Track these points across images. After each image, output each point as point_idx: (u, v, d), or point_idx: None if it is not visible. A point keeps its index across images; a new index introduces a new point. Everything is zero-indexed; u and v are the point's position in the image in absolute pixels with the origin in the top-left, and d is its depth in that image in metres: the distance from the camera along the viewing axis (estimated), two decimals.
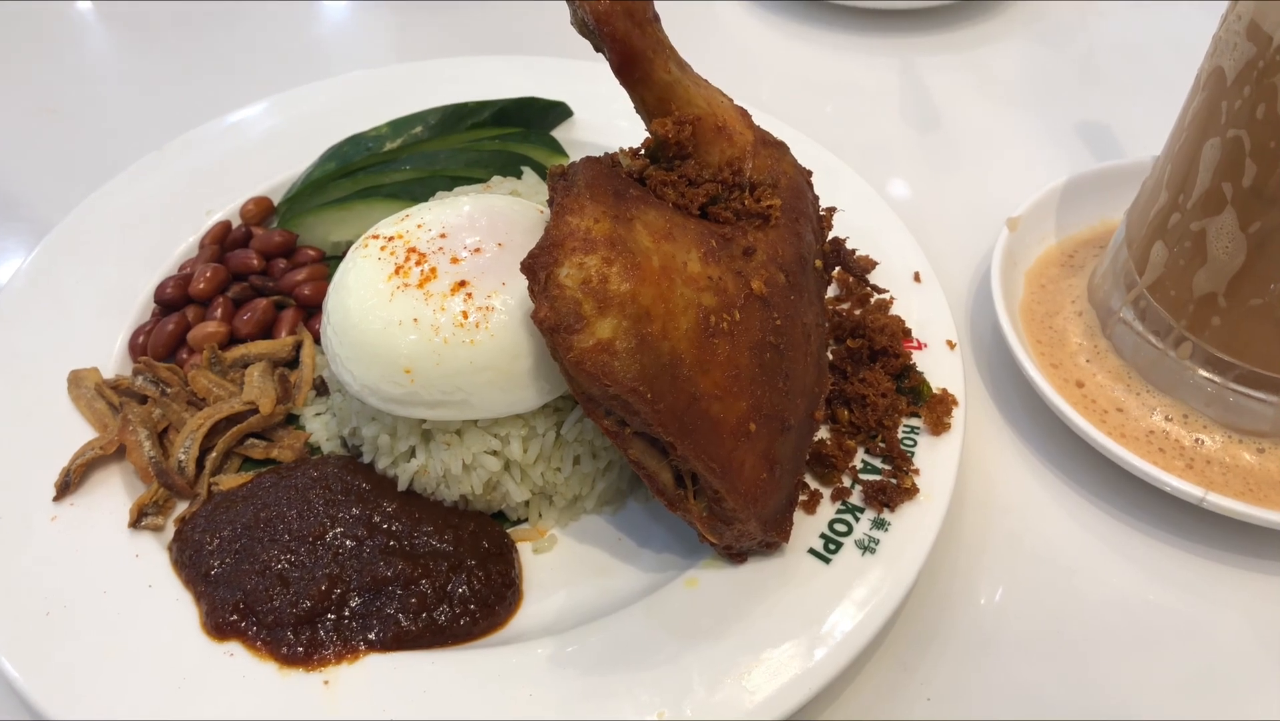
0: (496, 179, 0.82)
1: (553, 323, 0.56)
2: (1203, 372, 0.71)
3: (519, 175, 0.87)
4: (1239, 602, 0.67)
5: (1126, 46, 1.15)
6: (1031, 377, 0.73)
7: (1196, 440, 0.72)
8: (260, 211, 0.88)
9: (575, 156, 0.91)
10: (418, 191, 0.85)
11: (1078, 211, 0.87)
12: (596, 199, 0.60)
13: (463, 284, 0.63)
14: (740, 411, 0.60)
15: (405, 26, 1.20)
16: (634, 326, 0.57)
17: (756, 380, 0.60)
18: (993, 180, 0.97)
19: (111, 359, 0.76)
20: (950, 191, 0.96)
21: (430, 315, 0.62)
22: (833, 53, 1.15)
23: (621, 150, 0.67)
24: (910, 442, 0.69)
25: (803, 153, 0.79)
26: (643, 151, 0.67)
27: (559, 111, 0.95)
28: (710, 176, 0.67)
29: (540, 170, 0.89)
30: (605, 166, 0.63)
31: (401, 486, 0.67)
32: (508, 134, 0.91)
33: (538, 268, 0.58)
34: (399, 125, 0.91)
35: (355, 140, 0.90)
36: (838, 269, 0.74)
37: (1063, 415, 0.71)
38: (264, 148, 0.92)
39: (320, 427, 0.73)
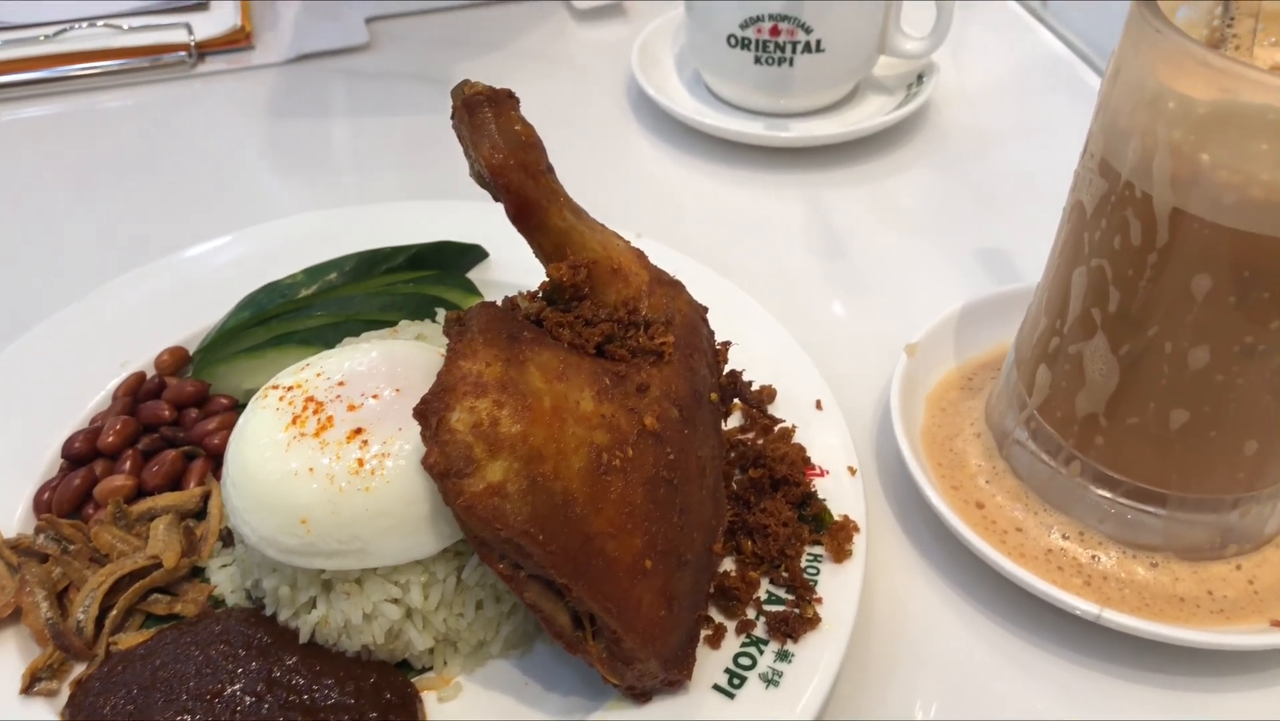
0: (404, 323, 0.83)
1: (443, 468, 0.57)
2: (1094, 489, 0.74)
3: (433, 317, 0.89)
4: (1138, 715, 0.67)
5: (1020, 176, 1.21)
6: (932, 502, 0.74)
7: (1093, 556, 0.73)
8: (175, 361, 0.89)
9: (490, 296, 0.94)
10: (331, 337, 0.86)
11: (974, 335, 0.91)
12: (490, 343, 0.62)
13: (359, 431, 0.64)
14: (635, 549, 0.60)
15: (326, 178, 1.23)
16: (525, 468, 0.58)
17: (651, 516, 0.61)
18: (895, 307, 1.00)
19: (15, 518, 0.76)
20: (854, 319, 0.99)
21: (326, 464, 0.62)
22: (742, 189, 1.19)
23: (520, 294, 0.69)
24: (813, 571, 0.70)
25: (704, 284, 0.82)
26: (540, 294, 0.69)
27: (474, 254, 0.97)
28: (606, 316, 0.69)
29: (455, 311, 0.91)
30: (501, 311, 0.65)
31: (303, 638, 0.67)
32: (423, 277, 0.93)
33: (429, 413, 0.59)
34: (314, 272, 0.93)
35: (270, 288, 0.92)
36: (737, 400, 0.76)
37: (963, 539, 0.72)
38: (181, 297, 0.93)
39: (225, 580, 0.73)
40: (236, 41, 1.43)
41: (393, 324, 0.87)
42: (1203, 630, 0.68)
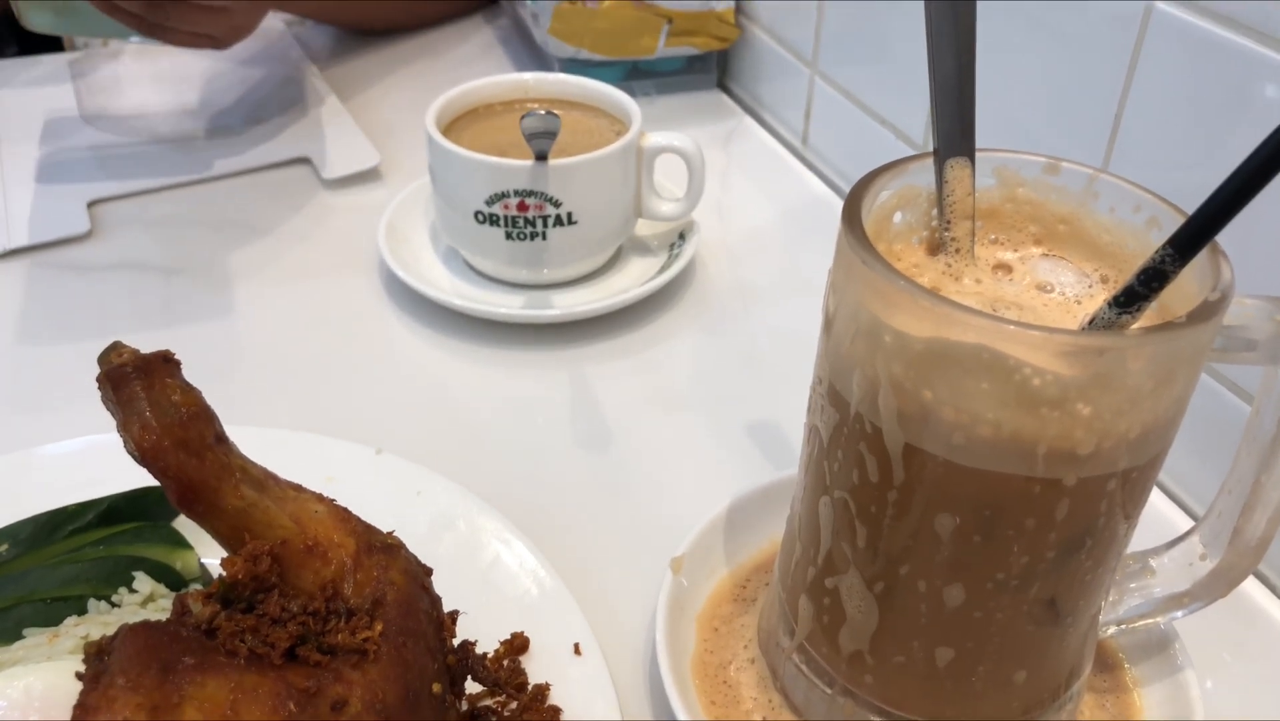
0: (70, 620, 0.71)
1: None
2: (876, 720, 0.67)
3: (130, 583, 0.77)
4: None
5: (788, 333, 1.18)
6: None
7: None
8: None
9: (204, 545, 0.82)
10: (2, 626, 0.72)
11: (745, 535, 0.85)
12: (134, 685, 0.50)
13: None
14: None
15: (26, 409, 1.08)
16: None
17: None
18: (666, 502, 0.94)
19: None
20: (621, 524, 0.92)
21: None
22: (504, 370, 1.12)
23: (191, 594, 0.59)
24: None
25: (451, 510, 0.76)
26: (214, 595, 0.58)
27: None
28: (300, 608, 0.59)
29: (159, 572, 0.78)
30: (156, 633, 0.54)
31: None
32: (116, 534, 0.80)
33: None
34: None
35: None
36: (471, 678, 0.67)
37: None
38: None
39: None
40: None
41: (79, 600, 0.75)
42: None
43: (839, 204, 1.42)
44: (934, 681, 0.63)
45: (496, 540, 0.81)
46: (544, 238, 1.14)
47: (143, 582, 0.77)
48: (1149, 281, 0.53)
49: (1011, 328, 0.50)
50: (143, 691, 0.50)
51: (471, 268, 1.23)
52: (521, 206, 1.11)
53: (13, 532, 0.79)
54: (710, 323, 1.20)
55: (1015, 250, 0.66)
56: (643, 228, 1.27)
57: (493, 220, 1.12)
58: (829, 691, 0.69)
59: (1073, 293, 0.63)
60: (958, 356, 0.52)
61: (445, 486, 0.86)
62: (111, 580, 0.77)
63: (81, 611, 0.74)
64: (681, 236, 1.26)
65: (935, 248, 0.65)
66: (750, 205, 1.43)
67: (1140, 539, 0.69)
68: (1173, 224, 0.59)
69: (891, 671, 0.64)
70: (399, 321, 1.19)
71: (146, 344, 1.01)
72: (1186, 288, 0.56)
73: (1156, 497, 0.95)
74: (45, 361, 1.12)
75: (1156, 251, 0.52)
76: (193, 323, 1.19)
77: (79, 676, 0.52)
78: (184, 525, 0.84)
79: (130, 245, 1.31)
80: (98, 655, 0.53)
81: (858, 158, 1.42)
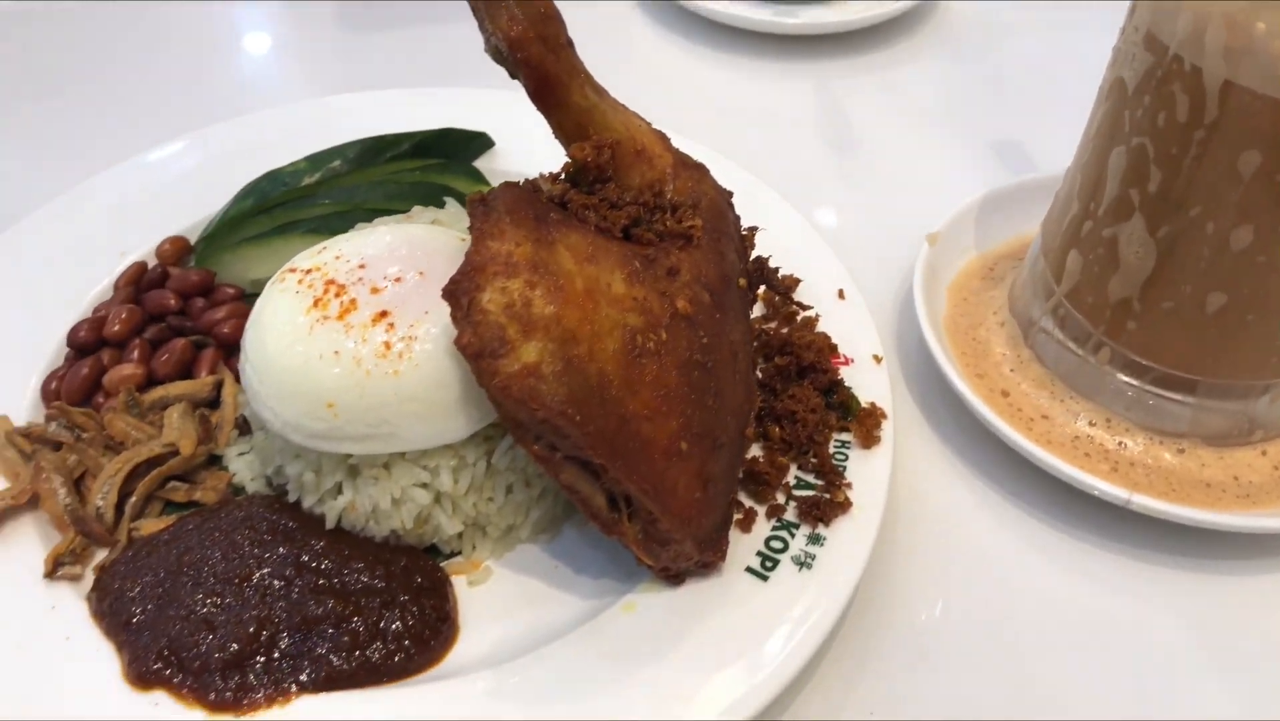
0: (417, 209, 0.81)
1: (477, 348, 0.56)
2: (1122, 376, 0.73)
3: (441, 205, 0.87)
4: (1167, 601, 0.68)
5: (1033, 65, 1.18)
6: (957, 389, 0.73)
7: (1120, 443, 0.73)
8: (176, 251, 0.86)
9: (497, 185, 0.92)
10: (337, 225, 0.83)
11: (995, 225, 0.89)
12: (517, 223, 0.60)
13: (384, 314, 0.62)
14: (671, 431, 0.59)
15: (322, 61, 1.19)
16: (560, 349, 0.56)
17: (686, 399, 0.60)
18: (911, 198, 0.99)
19: (23, 406, 0.74)
20: (870, 210, 0.98)
21: (351, 347, 0.61)
22: (750, 79, 1.16)
23: (541, 176, 0.67)
24: (841, 457, 0.69)
25: (723, 174, 0.79)
26: (563, 176, 0.67)
27: (480, 142, 0.94)
28: (631, 199, 0.67)
29: (462, 200, 0.88)
30: (525, 191, 0.63)
31: (329, 524, 0.66)
32: (428, 165, 0.90)
33: (459, 293, 0.57)
34: (317, 160, 0.90)
35: (272, 176, 0.89)
36: (762, 287, 0.75)
37: (990, 424, 0.72)
38: (179, 187, 0.90)
39: (244, 467, 0.71)
40: None
41: (400, 212, 0.85)
42: (1231, 514, 0.68)
43: None
44: (1199, 329, 0.68)
45: (765, 202, 0.88)
46: None
47: (452, 205, 0.87)
48: None
49: None
50: (525, 228, 0.59)
51: None
52: None
53: (343, 152, 0.90)
54: (954, 49, 1.21)
55: None
56: None
57: None
58: (1080, 352, 0.75)
59: None
60: None
61: (716, 157, 0.92)
62: (426, 201, 0.87)
63: None
64: None
65: None
66: None
67: None
68: None
69: (1158, 318, 0.69)
70: (648, 28, 1.24)
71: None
72: None
73: None
74: (330, 26, 1.22)
75: None
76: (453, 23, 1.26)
77: (471, 212, 0.61)
78: (479, 165, 0.94)
79: None
80: (482, 201, 0.62)
81: None
